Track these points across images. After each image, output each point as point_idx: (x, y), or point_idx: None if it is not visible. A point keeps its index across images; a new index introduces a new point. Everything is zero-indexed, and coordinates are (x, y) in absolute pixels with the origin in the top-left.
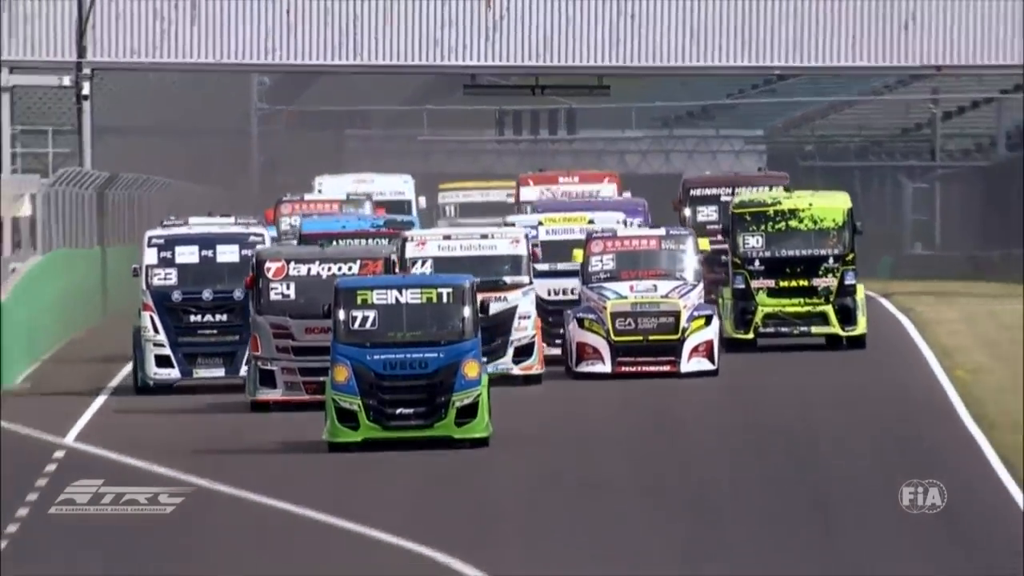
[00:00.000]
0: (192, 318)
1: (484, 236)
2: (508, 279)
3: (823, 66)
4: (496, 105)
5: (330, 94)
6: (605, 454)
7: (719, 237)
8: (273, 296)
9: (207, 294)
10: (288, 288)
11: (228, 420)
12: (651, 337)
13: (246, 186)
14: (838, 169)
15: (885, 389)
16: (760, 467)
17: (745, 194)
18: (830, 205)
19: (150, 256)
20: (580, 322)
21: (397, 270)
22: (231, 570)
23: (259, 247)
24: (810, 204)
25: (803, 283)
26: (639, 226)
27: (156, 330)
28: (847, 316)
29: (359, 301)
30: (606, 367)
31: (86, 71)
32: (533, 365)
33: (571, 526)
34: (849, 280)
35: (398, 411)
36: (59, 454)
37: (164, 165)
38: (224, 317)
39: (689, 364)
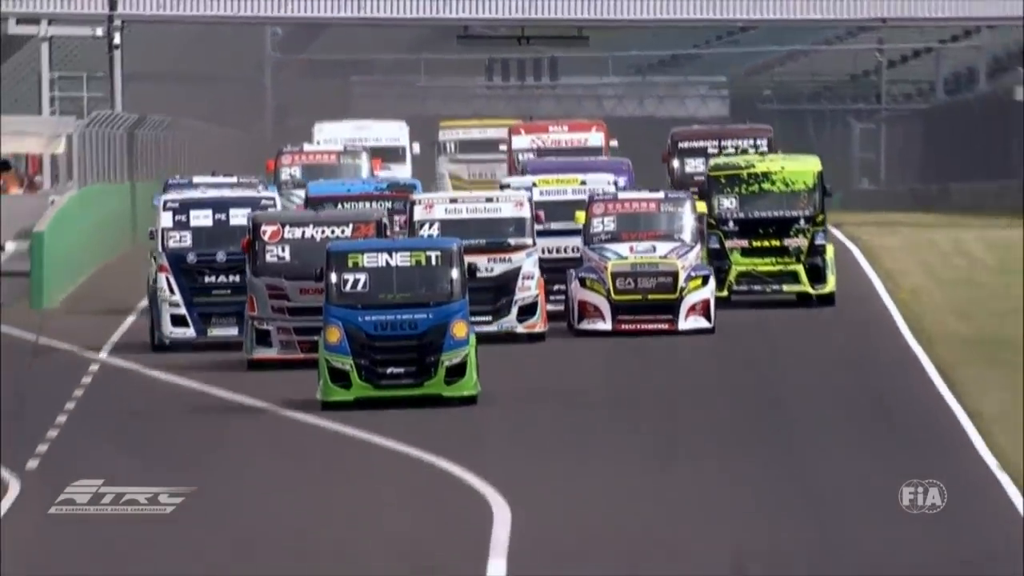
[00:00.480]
0: (206, 279)
1: (489, 200)
2: (512, 241)
3: (780, 19)
4: (486, 54)
5: (337, 44)
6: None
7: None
8: (269, 258)
9: (221, 256)
10: (283, 251)
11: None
12: (650, 296)
13: (260, 128)
14: (793, 112)
15: (835, 308)
16: (726, 373)
17: (721, 158)
18: (801, 168)
19: (165, 219)
20: (582, 281)
21: (388, 233)
22: (246, 472)
23: (255, 211)
24: (782, 167)
25: (775, 243)
26: (625, 185)
27: (172, 290)
28: (817, 275)
29: (350, 264)
30: (607, 325)
31: (117, 23)
32: (536, 323)
33: (554, 435)
34: (819, 240)
35: (389, 370)
36: (94, 367)
37: (187, 109)
38: (237, 278)
39: (686, 322)
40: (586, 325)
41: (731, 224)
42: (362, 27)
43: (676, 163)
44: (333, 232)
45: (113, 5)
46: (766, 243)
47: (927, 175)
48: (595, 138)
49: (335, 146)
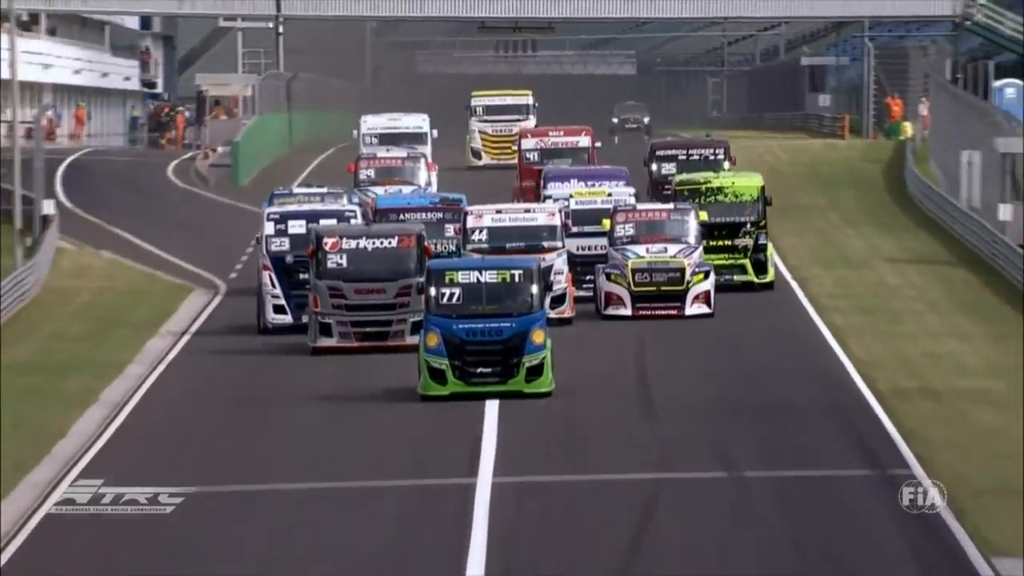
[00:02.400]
0: (301, 276)
1: (527, 211)
2: (546, 243)
3: (664, 17)
4: (494, 37)
5: (408, 31)
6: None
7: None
8: (330, 264)
9: None
10: (341, 258)
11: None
12: (662, 288)
13: (362, 81)
14: (673, 72)
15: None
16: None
17: (684, 175)
18: (747, 184)
19: (269, 228)
20: (607, 276)
21: (427, 242)
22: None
23: (315, 225)
24: (732, 183)
25: (727, 242)
26: (624, 187)
27: (273, 285)
28: (760, 268)
29: (447, 280)
30: (627, 311)
31: (281, 19)
32: (565, 310)
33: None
34: (762, 241)
35: (478, 370)
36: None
37: (320, 69)
38: None
39: (691, 308)
40: (611, 311)
41: None
42: (422, 21)
43: (654, 166)
44: (381, 243)
45: (279, 8)
46: (720, 242)
47: (751, 108)
48: (584, 140)
49: (400, 153)
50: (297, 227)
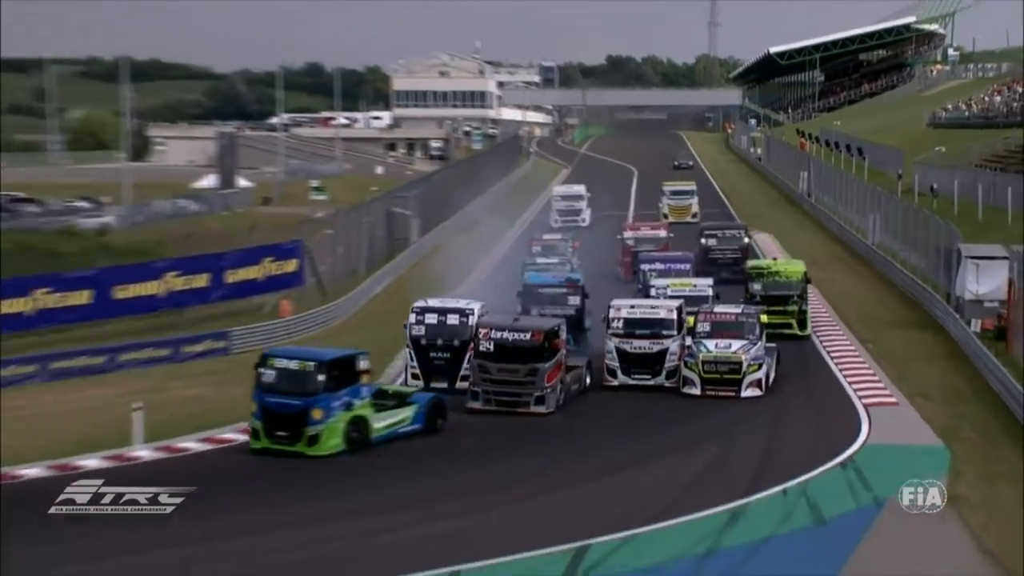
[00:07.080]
0: (431, 354)
1: (653, 307)
2: (664, 332)
3: (664, 104)
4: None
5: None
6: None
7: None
8: (481, 348)
9: (440, 341)
10: (489, 344)
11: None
12: (724, 375)
13: (585, 116)
14: (669, 119)
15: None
16: None
17: (753, 261)
18: (795, 269)
19: (412, 318)
20: (685, 363)
21: (562, 339)
22: None
23: (479, 319)
24: (786, 267)
25: (781, 308)
26: (688, 269)
27: (412, 359)
28: (803, 324)
29: (268, 364)
30: (697, 391)
31: (584, 104)
32: (677, 382)
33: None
34: (804, 307)
35: (279, 433)
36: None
37: (586, 115)
38: (448, 354)
39: (746, 392)
40: (685, 390)
41: (758, 298)
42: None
43: (702, 240)
44: (519, 335)
45: (584, 100)
46: (777, 307)
47: (686, 126)
48: (663, 232)
49: (557, 236)
50: (431, 318)
